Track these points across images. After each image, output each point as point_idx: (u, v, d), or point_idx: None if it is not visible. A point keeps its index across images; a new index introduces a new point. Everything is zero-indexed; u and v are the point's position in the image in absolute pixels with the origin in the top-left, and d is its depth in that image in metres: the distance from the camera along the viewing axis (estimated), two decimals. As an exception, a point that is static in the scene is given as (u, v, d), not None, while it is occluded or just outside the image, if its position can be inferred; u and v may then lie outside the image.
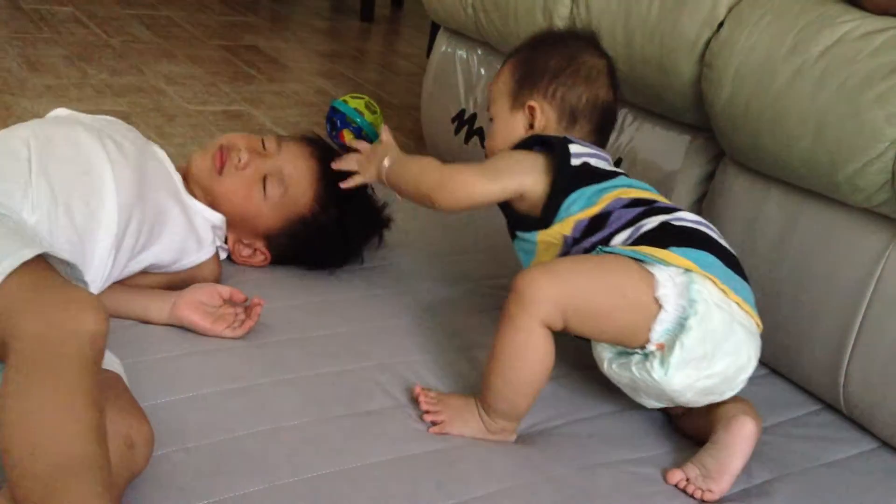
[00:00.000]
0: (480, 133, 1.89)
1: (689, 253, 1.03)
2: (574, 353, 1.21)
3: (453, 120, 1.98)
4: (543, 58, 1.23)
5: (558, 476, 1.03)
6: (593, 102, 1.22)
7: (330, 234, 1.37)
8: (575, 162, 1.15)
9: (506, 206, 1.20)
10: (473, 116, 1.92)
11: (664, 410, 1.18)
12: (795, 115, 1.18)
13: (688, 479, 1.04)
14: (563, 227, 1.12)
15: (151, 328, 1.18)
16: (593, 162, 1.17)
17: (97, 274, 1.12)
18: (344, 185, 1.30)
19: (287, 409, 1.06)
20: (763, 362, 1.33)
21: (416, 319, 1.31)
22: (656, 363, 1.02)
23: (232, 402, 1.05)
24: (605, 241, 1.09)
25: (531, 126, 1.22)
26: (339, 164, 1.31)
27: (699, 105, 1.38)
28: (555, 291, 1.02)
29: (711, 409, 1.08)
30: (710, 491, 1.02)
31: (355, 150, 1.32)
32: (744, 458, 1.03)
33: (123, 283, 1.20)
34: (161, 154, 1.30)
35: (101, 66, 2.51)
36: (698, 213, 1.43)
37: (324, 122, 2.25)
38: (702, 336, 1.00)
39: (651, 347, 1.02)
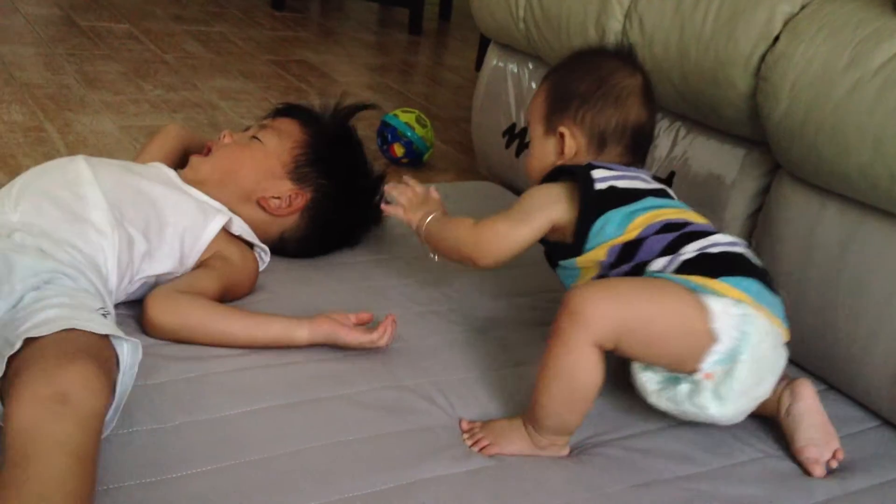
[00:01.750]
0: (532, 146, 1.90)
1: (739, 283, 1.04)
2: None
3: (504, 134, 1.99)
4: (575, 82, 1.24)
5: (614, 493, 1.03)
6: (623, 125, 1.22)
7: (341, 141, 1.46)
8: (600, 186, 1.15)
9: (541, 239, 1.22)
10: (524, 130, 1.93)
11: None
12: (853, 128, 1.17)
13: (821, 461, 1.09)
14: (598, 252, 1.13)
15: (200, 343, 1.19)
16: (621, 184, 1.17)
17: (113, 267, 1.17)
18: (385, 209, 1.36)
19: (345, 424, 1.07)
20: (820, 378, 1.32)
21: (469, 334, 1.32)
22: (709, 395, 1.03)
23: (293, 416, 1.07)
24: (642, 267, 1.09)
25: (562, 151, 1.23)
26: (392, 195, 1.36)
27: (754, 118, 1.38)
28: (612, 312, 1.02)
29: None
30: (839, 451, 1.10)
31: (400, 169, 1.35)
32: (822, 408, 1.12)
33: (244, 311, 1.23)
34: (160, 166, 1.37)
35: (156, 81, 2.56)
36: (753, 226, 1.43)
37: (374, 135, 2.28)
38: (755, 368, 1.03)
39: (699, 377, 1.03)
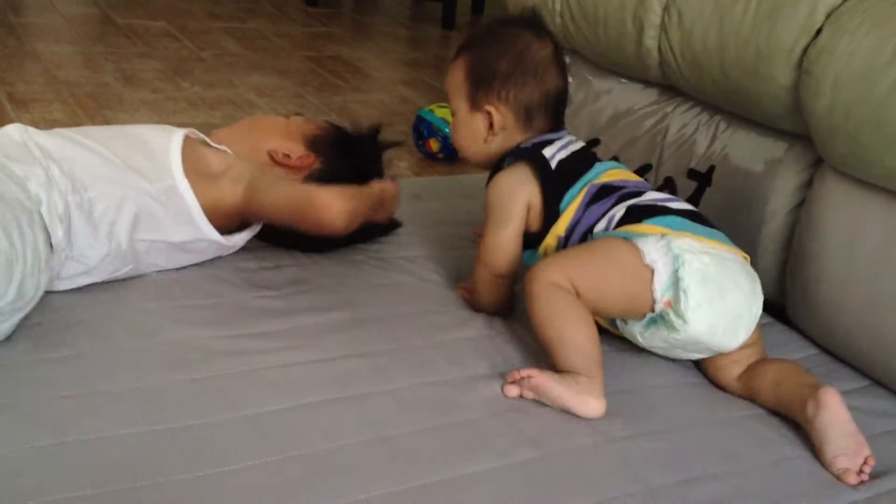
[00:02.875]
0: (568, 141, 1.90)
1: (659, 221, 1.19)
2: (678, 364, 1.21)
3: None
4: (493, 60, 1.30)
5: (659, 487, 1.02)
6: (545, 96, 1.30)
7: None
8: (553, 164, 1.27)
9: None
10: (561, 125, 1.93)
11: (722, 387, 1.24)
12: (898, 122, 1.16)
13: (852, 471, 1.07)
14: (559, 227, 1.26)
15: (256, 337, 1.21)
16: (563, 155, 1.28)
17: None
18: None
19: (388, 419, 1.08)
20: (864, 373, 1.31)
21: (506, 329, 1.32)
22: (673, 316, 1.15)
23: (335, 411, 1.08)
24: (588, 233, 1.24)
25: (491, 125, 1.31)
26: (460, 291, 1.40)
27: (796, 112, 1.36)
28: (556, 266, 1.17)
29: (774, 387, 1.17)
30: (869, 458, 1.08)
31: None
32: (850, 416, 1.10)
33: None
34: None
35: (193, 79, 2.59)
36: (795, 221, 1.42)
37: (409, 130, 2.29)
38: (700, 278, 1.14)
39: (660, 306, 1.16)
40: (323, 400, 1.09)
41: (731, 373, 1.22)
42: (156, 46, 2.88)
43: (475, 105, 1.31)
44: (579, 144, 1.32)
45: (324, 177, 1.43)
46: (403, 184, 1.88)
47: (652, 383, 1.23)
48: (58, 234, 1.16)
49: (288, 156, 1.44)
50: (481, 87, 1.30)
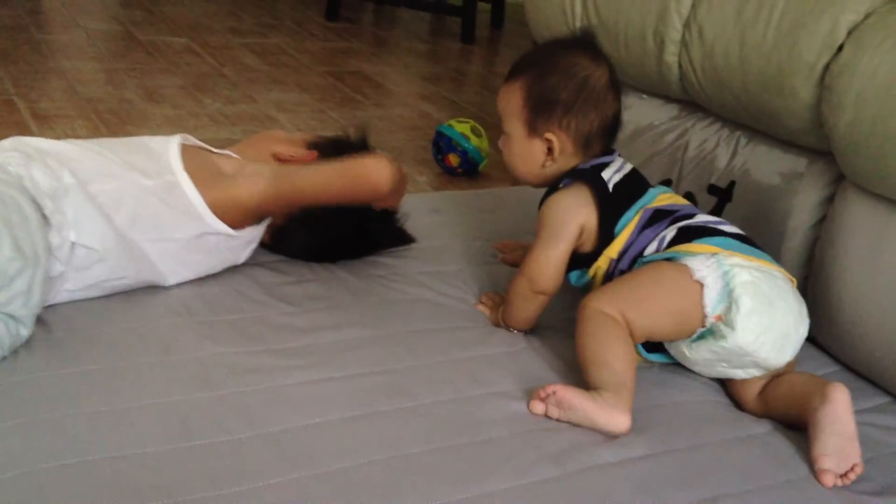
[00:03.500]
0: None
1: (710, 241, 1.21)
2: (701, 382, 1.20)
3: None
4: (554, 89, 1.29)
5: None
6: (603, 123, 1.31)
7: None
8: (610, 188, 1.28)
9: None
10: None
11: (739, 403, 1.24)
12: (922, 139, 1.15)
13: (835, 473, 1.07)
14: (612, 250, 1.27)
15: (277, 354, 1.21)
16: (618, 178, 1.30)
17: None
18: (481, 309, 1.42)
19: (410, 436, 1.08)
20: (886, 390, 1.30)
21: (527, 346, 1.32)
22: (724, 328, 1.16)
23: (355, 429, 1.08)
24: (640, 255, 1.26)
25: (550, 151, 1.31)
26: (480, 307, 1.41)
27: (818, 128, 1.36)
28: (606, 297, 1.21)
29: (788, 392, 1.18)
30: (857, 466, 1.07)
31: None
32: (853, 419, 1.10)
33: None
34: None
35: (215, 95, 2.61)
36: (816, 237, 1.41)
37: (429, 145, 2.30)
38: (752, 292, 1.16)
39: (711, 321, 1.17)
40: (344, 418, 1.09)
41: (751, 391, 1.22)
42: (178, 62, 2.90)
43: (534, 131, 1.31)
44: (630, 167, 1.34)
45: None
46: (423, 198, 1.89)
47: (674, 400, 1.22)
48: (47, 205, 1.17)
49: (292, 155, 1.48)
50: (541, 115, 1.30)
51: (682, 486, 1.05)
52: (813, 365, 1.35)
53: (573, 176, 1.30)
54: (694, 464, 1.10)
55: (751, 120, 1.52)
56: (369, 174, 1.39)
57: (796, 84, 1.36)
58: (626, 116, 1.79)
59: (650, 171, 1.72)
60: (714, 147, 1.61)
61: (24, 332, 1.14)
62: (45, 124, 2.16)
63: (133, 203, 1.27)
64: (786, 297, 1.19)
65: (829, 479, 1.07)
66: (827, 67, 1.32)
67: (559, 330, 1.35)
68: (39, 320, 1.20)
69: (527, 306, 1.32)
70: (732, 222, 1.51)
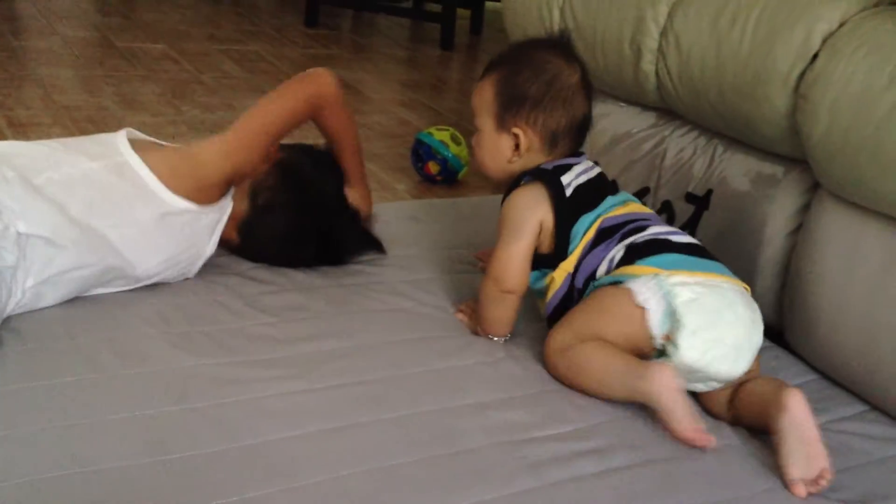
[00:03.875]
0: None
1: (651, 260, 1.21)
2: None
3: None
4: (524, 84, 1.31)
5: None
6: (571, 122, 1.32)
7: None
8: (569, 192, 1.28)
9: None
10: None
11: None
12: (895, 147, 1.16)
13: (805, 481, 1.07)
14: (568, 263, 1.28)
15: (255, 365, 1.21)
16: (579, 181, 1.30)
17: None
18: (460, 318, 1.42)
19: (390, 447, 1.07)
20: (862, 398, 1.31)
21: (507, 356, 1.32)
22: (673, 349, 1.17)
23: (335, 440, 1.07)
24: (588, 281, 1.27)
25: (517, 146, 1.32)
26: (458, 315, 1.42)
27: (793, 136, 1.37)
28: (561, 330, 1.25)
29: (752, 400, 1.18)
30: (825, 471, 1.07)
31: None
32: (814, 422, 1.09)
33: None
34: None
35: (193, 102, 2.60)
36: (792, 245, 1.42)
37: (408, 153, 2.29)
38: (695, 310, 1.16)
39: (659, 342, 1.19)
40: (322, 429, 1.09)
41: (721, 400, 1.23)
42: (156, 69, 2.89)
43: (502, 126, 1.33)
44: (595, 171, 1.34)
45: (290, 164, 1.50)
46: (402, 206, 1.88)
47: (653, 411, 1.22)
48: None
49: None
50: (510, 110, 1.32)
51: (662, 496, 1.05)
52: (790, 373, 1.36)
53: (534, 174, 1.31)
54: (674, 474, 1.10)
55: (727, 128, 1.53)
56: (315, 82, 1.49)
57: (771, 92, 1.37)
58: (604, 124, 1.82)
59: (628, 178, 1.73)
60: (691, 155, 1.62)
61: None
62: (21, 132, 2.15)
63: (85, 188, 1.28)
64: (734, 308, 1.19)
65: (800, 489, 1.07)
66: (802, 76, 1.33)
67: (538, 339, 1.35)
68: (12, 330, 1.19)
69: (497, 308, 1.32)
70: (710, 231, 1.53)
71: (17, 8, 3.50)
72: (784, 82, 1.36)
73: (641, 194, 1.71)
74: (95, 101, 2.48)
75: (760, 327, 1.21)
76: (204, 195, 1.38)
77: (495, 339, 1.35)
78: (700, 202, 1.58)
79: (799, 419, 1.09)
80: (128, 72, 2.83)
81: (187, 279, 1.42)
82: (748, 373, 1.21)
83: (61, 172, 1.27)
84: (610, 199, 1.32)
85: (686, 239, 1.27)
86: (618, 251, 1.25)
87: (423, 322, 1.39)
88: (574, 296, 1.29)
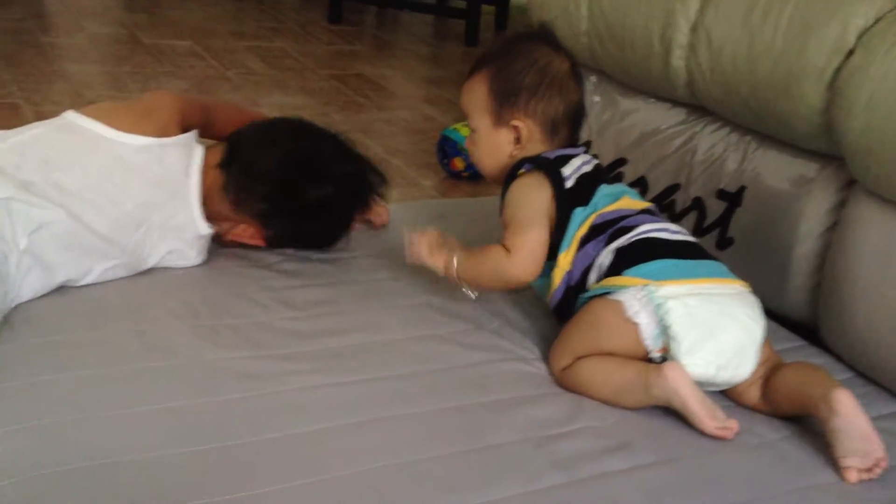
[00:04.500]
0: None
1: (640, 269, 1.18)
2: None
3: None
4: (518, 74, 1.29)
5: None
6: (568, 109, 1.31)
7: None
8: (569, 184, 1.26)
9: None
10: (588, 144, 1.91)
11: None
12: (934, 143, 1.14)
13: (860, 469, 1.08)
14: (565, 260, 1.25)
15: (281, 359, 1.20)
16: (578, 174, 1.27)
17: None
18: (409, 256, 1.35)
19: (415, 442, 1.06)
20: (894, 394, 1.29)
21: (538, 357, 1.31)
22: (671, 360, 1.14)
23: (361, 435, 1.07)
24: (581, 283, 1.24)
25: (517, 140, 1.30)
26: (413, 254, 1.34)
27: (829, 132, 1.35)
28: (559, 352, 1.23)
29: (792, 391, 1.16)
30: (881, 460, 1.08)
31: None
32: (865, 418, 1.08)
33: None
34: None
35: (218, 98, 2.60)
36: (828, 243, 1.40)
37: (433, 149, 2.29)
38: (689, 324, 1.14)
39: (656, 355, 1.16)
40: (347, 424, 1.08)
41: (753, 395, 1.21)
42: (182, 66, 2.90)
43: (500, 120, 1.31)
44: (593, 164, 1.32)
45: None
46: (428, 204, 1.88)
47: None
48: None
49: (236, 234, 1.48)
50: (507, 102, 1.30)
51: (691, 493, 1.04)
52: (825, 372, 1.33)
53: (534, 162, 1.29)
54: (703, 471, 1.08)
55: (760, 124, 1.50)
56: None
57: (805, 88, 1.35)
58: (632, 120, 1.80)
59: (657, 175, 1.72)
60: (723, 152, 1.60)
61: None
62: (49, 127, 2.16)
63: (37, 148, 1.31)
64: (730, 312, 1.16)
65: (852, 475, 1.08)
66: (837, 72, 1.31)
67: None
68: (40, 319, 1.19)
69: (499, 282, 1.31)
70: (742, 228, 1.51)
71: (45, 4, 3.53)
72: (818, 78, 1.33)
73: (671, 191, 1.69)
74: (122, 97, 2.50)
75: (761, 322, 1.19)
76: (151, 126, 1.37)
77: (468, 292, 1.34)
78: (732, 199, 1.56)
79: (851, 418, 1.08)
80: (154, 68, 2.84)
81: (214, 268, 1.42)
82: (763, 362, 1.19)
83: (9, 142, 1.31)
84: (604, 188, 1.28)
85: (677, 236, 1.24)
86: (606, 256, 1.22)
87: (449, 318, 1.37)
88: (571, 293, 1.26)
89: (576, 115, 1.33)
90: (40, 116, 2.20)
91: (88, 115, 1.36)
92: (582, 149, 1.34)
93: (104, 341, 1.19)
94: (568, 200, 1.26)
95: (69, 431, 1.00)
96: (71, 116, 1.37)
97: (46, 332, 1.19)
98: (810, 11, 1.36)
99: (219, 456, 1.00)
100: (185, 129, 1.43)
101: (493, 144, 1.32)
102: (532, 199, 1.27)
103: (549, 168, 1.27)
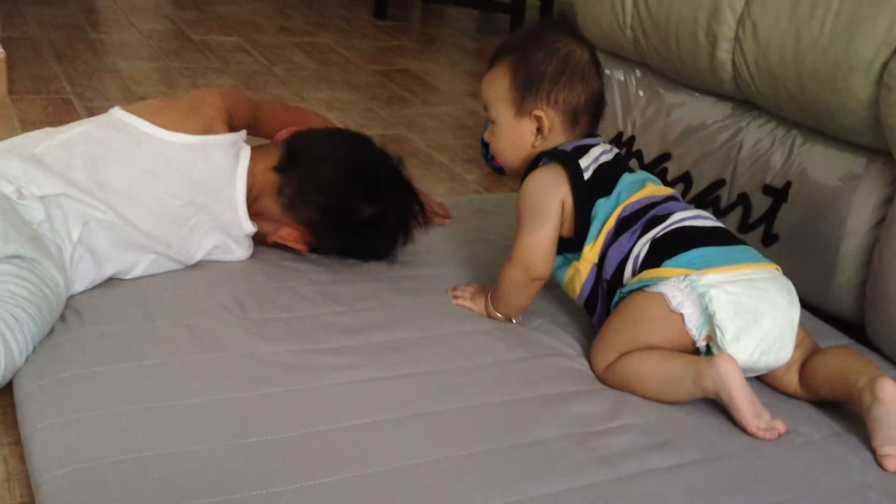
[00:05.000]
0: (640, 155, 1.88)
1: (679, 260, 1.18)
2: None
3: (610, 142, 1.97)
4: (539, 64, 1.28)
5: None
6: (590, 98, 1.30)
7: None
8: (587, 175, 1.26)
9: None
10: (632, 139, 1.91)
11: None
12: None
13: (894, 456, 1.09)
14: (592, 253, 1.25)
15: (327, 353, 1.22)
16: (597, 164, 1.27)
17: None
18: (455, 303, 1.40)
19: (460, 437, 1.08)
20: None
21: (579, 353, 1.31)
22: (716, 350, 1.15)
23: (405, 429, 1.08)
24: (618, 276, 1.23)
25: (539, 130, 1.29)
26: (457, 302, 1.40)
27: (876, 127, 1.33)
28: (601, 348, 1.23)
29: (833, 376, 1.16)
30: None
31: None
32: None
33: None
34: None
35: (265, 93, 2.63)
36: (875, 239, 1.38)
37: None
38: (732, 311, 1.14)
39: (701, 344, 1.17)
40: (393, 418, 1.10)
41: (791, 380, 1.22)
42: (229, 61, 2.93)
43: (522, 111, 1.29)
44: (613, 153, 1.31)
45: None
46: (472, 200, 1.88)
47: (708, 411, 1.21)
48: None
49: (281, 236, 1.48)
50: (529, 92, 1.28)
51: (735, 491, 1.04)
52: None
53: (551, 155, 1.28)
54: (746, 470, 1.08)
55: (806, 118, 1.49)
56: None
57: (853, 82, 1.34)
58: (678, 114, 1.79)
59: (702, 170, 1.71)
60: (769, 147, 1.59)
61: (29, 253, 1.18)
62: (100, 123, 2.20)
63: (84, 145, 1.32)
64: (770, 297, 1.16)
65: (891, 463, 1.09)
66: (885, 66, 1.29)
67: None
68: (91, 310, 1.23)
69: (523, 293, 1.31)
70: (788, 223, 1.50)
71: (95, 2, 3.59)
72: (866, 72, 1.32)
73: (716, 187, 1.68)
74: (172, 92, 2.53)
75: (797, 304, 1.19)
76: (195, 124, 1.38)
77: (513, 321, 1.35)
78: (778, 194, 1.54)
79: (893, 407, 1.09)
80: (203, 64, 2.88)
81: (260, 261, 1.44)
82: (798, 344, 1.20)
83: (58, 139, 1.32)
84: (627, 177, 1.28)
85: (709, 222, 1.24)
86: (642, 247, 1.21)
87: (487, 319, 1.38)
88: (602, 286, 1.26)
89: (597, 105, 1.32)
90: (91, 112, 2.25)
91: (134, 112, 1.38)
92: (601, 138, 1.33)
93: (153, 334, 1.21)
94: (588, 192, 1.25)
95: (122, 422, 1.02)
96: (117, 113, 1.39)
97: (98, 324, 1.22)
98: (858, 5, 1.35)
99: (265, 448, 1.01)
100: (232, 128, 1.44)
101: (515, 135, 1.31)
102: (542, 195, 1.27)
103: (567, 160, 1.27)
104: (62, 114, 2.23)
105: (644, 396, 1.19)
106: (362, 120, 2.49)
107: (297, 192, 1.43)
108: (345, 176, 1.44)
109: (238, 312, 1.30)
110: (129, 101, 2.40)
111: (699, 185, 1.71)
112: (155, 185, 1.33)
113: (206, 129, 1.40)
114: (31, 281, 1.14)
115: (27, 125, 2.11)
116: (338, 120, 2.45)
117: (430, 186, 1.95)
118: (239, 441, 1.02)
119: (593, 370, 1.25)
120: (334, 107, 2.58)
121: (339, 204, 1.44)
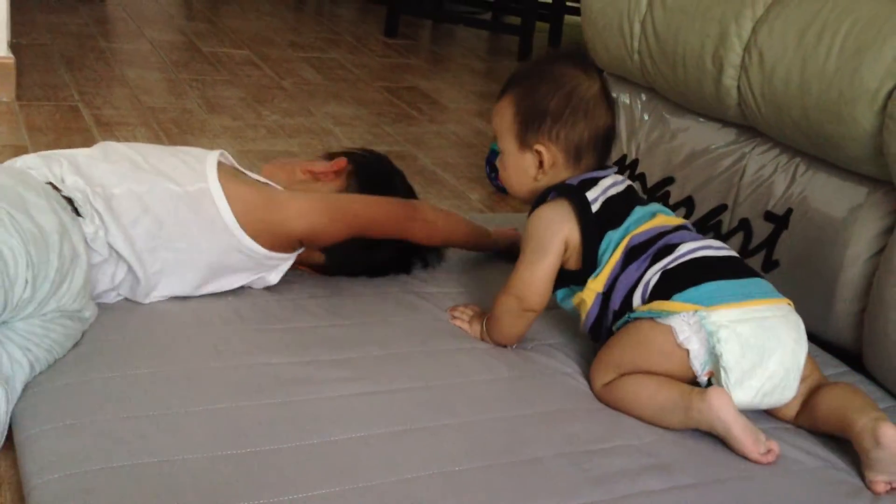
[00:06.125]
0: (643, 179, 1.88)
1: (690, 294, 1.16)
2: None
3: (614, 165, 1.98)
4: (543, 98, 1.29)
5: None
6: (594, 135, 1.29)
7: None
8: (595, 207, 1.25)
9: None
10: (635, 162, 1.91)
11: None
12: None
13: (887, 482, 1.10)
14: (597, 282, 1.24)
15: (325, 365, 1.22)
16: (605, 196, 1.27)
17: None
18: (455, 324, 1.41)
19: (454, 453, 1.07)
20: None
21: (575, 371, 1.31)
22: (717, 383, 1.15)
23: (401, 444, 1.08)
24: (626, 303, 1.22)
25: (541, 164, 1.29)
26: (455, 322, 1.40)
27: (879, 156, 1.34)
28: (602, 366, 1.24)
29: (833, 414, 1.16)
30: None
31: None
32: None
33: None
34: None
35: (274, 107, 2.64)
36: (875, 268, 1.38)
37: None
38: (739, 353, 1.13)
39: (703, 379, 1.17)
40: (387, 432, 1.10)
41: (792, 409, 1.22)
42: (238, 74, 2.95)
43: (525, 144, 1.30)
44: (624, 185, 1.31)
45: (361, 172, 1.49)
46: (475, 219, 1.89)
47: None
48: (76, 196, 1.21)
49: (325, 169, 1.47)
50: (531, 127, 1.29)
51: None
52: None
53: (559, 190, 1.28)
54: (741, 494, 1.08)
55: (810, 146, 1.49)
56: (425, 215, 1.47)
57: (857, 111, 1.34)
58: (682, 139, 1.80)
59: (705, 194, 1.71)
60: (772, 173, 1.59)
61: (87, 314, 1.20)
62: (108, 131, 2.21)
63: (158, 209, 1.26)
64: (778, 335, 1.15)
65: (879, 486, 1.10)
66: (889, 95, 1.30)
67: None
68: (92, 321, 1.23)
69: (515, 323, 1.31)
70: (788, 250, 1.50)
71: (108, 11, 3.61)
72: (871, 101, 1.32)
73: (718, 211, 1.68)
74: (180, 103, 2.54)
75: (804, 343, 1.18)
76: (274, 243, 1.35)
77: (508, 347, 1.35)
78: (779, 221, 1.55)
79: (894, 451, 1.08)
80: (212, 76, 2.89)
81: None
82: (804, 378, 1.19)
83: (131, 188, 1.26)
84: (638, 211, 1.27)
85: (721, 252, 1.23)
86: (652, 275, 1.20)
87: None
88: (609, 316, 1.25)
89: (603, 140, 1.31)
90: (98, 120, 2.26)
91: (227, 188, 1.31)
92: (612, 170, 1.33)
93: (154, 343, 1.22)
94: (596, 225, 1.25)
95: (115, 429, 1.02)
96: (210, 182, 1.31)
97: (94, 332, 1.22)
98: (864, 34, 1.35)
99: (260, 459, 1.01)
100: (301, 242, 1.40)
101: (519, 167, 1.32)
102: (545, 232, 1.27)
103: (573, 194, 1.27)
104: (70, 121, 2.24)
105: (639, 419, 1.19)
106: (369, 136, 2.50)
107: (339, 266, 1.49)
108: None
109: (238, 324, 1.30)
110: (137, 109, 2.41)
111: (701, 210, 1.72)
112: (208, 268, 1.33)
113: (278, 248, 1.37)
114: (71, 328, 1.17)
115: (34, 131, 2.13)
116: (345, 135, 2.47)
117: (435, 204, 1.96)
118: (233, 451, 1.02)
119: (591, 386, 1.25)
120: (342, 122, 2.59)
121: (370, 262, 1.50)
